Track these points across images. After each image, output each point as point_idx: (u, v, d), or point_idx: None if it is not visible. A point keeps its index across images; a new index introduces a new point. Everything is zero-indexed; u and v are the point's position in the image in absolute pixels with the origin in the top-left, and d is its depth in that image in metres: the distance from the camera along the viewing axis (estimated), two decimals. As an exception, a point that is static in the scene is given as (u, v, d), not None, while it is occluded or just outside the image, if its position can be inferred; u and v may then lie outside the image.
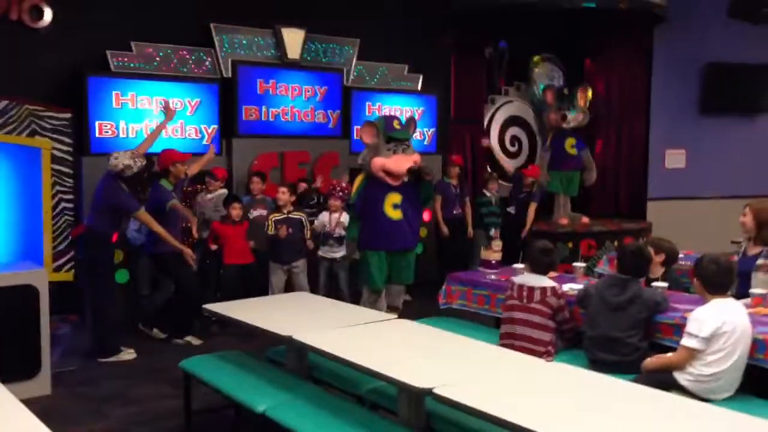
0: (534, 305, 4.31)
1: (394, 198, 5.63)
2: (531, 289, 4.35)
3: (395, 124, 5.68)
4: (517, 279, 4.49)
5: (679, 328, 3.81)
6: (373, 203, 5.63)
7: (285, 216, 6.82)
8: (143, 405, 4.90)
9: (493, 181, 9.05)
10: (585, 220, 9.20)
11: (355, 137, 8.55)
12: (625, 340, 3.95)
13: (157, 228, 5.95)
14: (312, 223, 7.08)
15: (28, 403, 2.85)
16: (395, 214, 5.64)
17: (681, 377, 3.57)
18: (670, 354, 3.72)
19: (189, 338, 6.33)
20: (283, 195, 6.85)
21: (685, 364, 3.58)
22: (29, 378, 4.92)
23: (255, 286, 6.74)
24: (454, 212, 8.40)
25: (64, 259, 6.75)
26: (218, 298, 6.69)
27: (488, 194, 8.78)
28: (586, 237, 8.58)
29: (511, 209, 8.80)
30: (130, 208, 5.91)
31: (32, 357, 4.95)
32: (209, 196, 7.08)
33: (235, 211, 6.81)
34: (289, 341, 3.77)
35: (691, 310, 3.71)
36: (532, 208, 8.38)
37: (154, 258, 6.43)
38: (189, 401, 4.36)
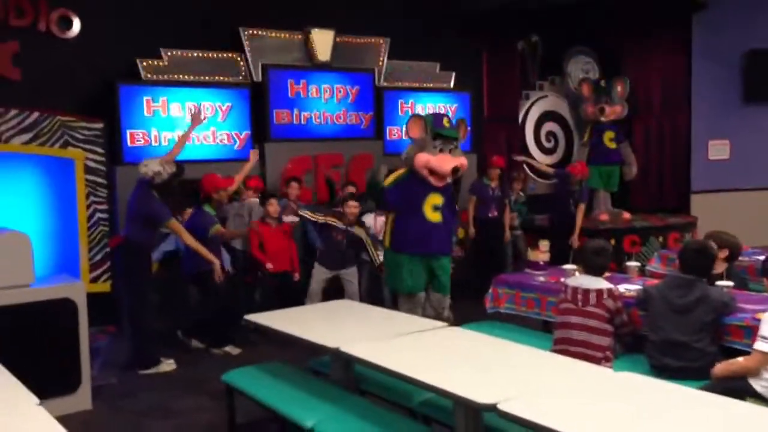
0: (590, 309, 4.09)
1: (436, 199, 5.40)
2: (586, 291, 4.13)
3: (445, 122, 5.47)
4: (571, 281, 4.28)
5: (749, 330, 3.60)
6: (412, 201, 5.37)
7: (344, 229, 6.64)
8: (184, 418, 4.79)
9: (518, 181, 8.80)
10: (626, 215, 8.97)
11: (388, 138, 8.41)
12: (691, 345, 3.73)
13: (189, 239, 5.84)
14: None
15: (69, 418, 2.76)
16: (435, 217, 5.40)
17: (757, 384, 3.35)
18: (741, 358, 3.50)
19: (228, 348, 6.22)
20: (354, 209, 6.63)
21: (759, 369, 3.36)
22: (70, 393, 4.83)
23: (292, 294, 6.60)
24: (489, 215, 8.06)
25: (100, 270, 6.70)
26: (255, 306, 6.62)
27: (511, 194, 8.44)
28: (628, 233, 8.34)
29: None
30: (162, 217, 5.78)
31: (72, 371, 4.87)
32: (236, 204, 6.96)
33: (272, 207, 6.61)
34: (335, 353, 3.62)
35: (762, 311, 3.50)
36: (581, 209, 7.84)
37: (191, 277, 6.35)
38: (233, 415, 4.24)
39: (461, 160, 5.42)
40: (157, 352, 5.88)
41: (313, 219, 6.72)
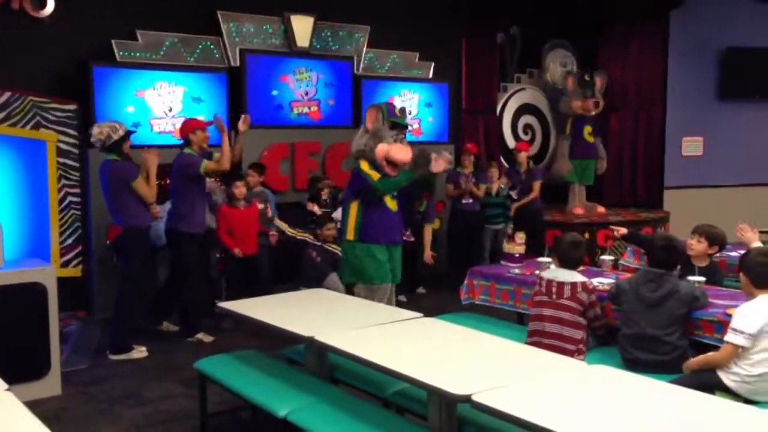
0: (564, 301, 4.11)
1: None
2: (560, 284, 4.15)
3: (397, 111, 5.40)
4: (546, 274, 4.30)
5: (720, 326, 3.64)
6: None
7: (320, 245, 6.56)
8: (156, 405, 4.74)
9: (493, 168, 8.28)
10: (601, 209, 9.05)
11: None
12: (663, 338, 3.76)
13: (150, 191, 5.68)
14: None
15: (38, 404, 2.71)
16: (393, 206, 5.35)
17: (726, 378, 3.40)
18: (712, 353, 3.54)
19: (200, 335, 6.16)
20: (332, 231, 6.52)
21: (728, 361, 3.40)
22: (39, 378, 4.75)
23: (258, 279, 6.55)
24: (464, 202, 7.95)
25: (71, 254, 6.62)
26: (220, 292, 6.57)
27: (487, 184, 8.01)
28: (603, 227, 8.40)
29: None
30: (131, 173, 5.58)
31: (41, 356, 4.79)
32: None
33: (238, 189, 6.45)
34: (310, 341, 3.60)
35: (733, 306, 3.54)
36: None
37: (166, 232, 6.11)
38: (205, 403, 4.20)
39: (446, 158, 5.40)
40: (131, 339, 5.80)
41: (290, 233, 6.67)
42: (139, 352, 5.76)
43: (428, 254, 6.70)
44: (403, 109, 5.57)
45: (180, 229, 5.95)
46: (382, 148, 5.15)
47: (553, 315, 4.13)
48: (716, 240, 4.47)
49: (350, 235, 5.28)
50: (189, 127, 6.11)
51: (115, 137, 5.55)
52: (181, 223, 5.94)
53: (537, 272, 4.82)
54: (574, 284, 4.13)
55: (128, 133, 5.69)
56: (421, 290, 7.85)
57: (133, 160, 5.77)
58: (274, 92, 7.69)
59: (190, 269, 6.07)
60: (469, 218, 7.98)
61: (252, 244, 6.57)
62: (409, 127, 5.58)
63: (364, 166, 5.19)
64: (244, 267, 6.54)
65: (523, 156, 8.37)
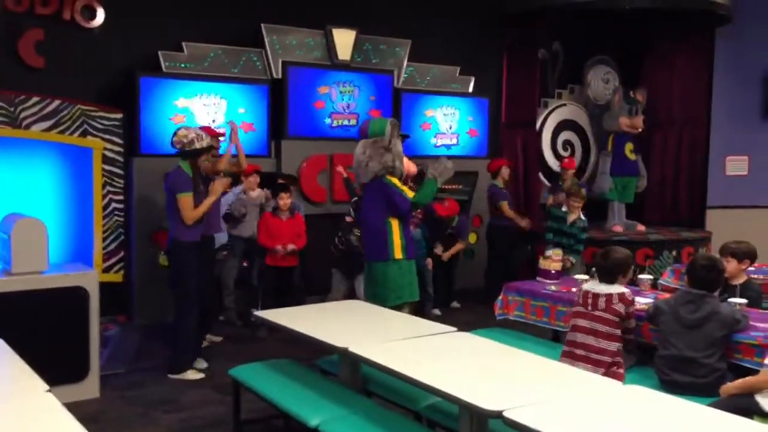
0: (599, 313, 4.07)
1: None
2: (596, 295, 4.11)
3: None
4: (585, 285, 4.27)
5: (761, 349, 3.57)
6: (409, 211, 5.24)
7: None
8: (190, 411, 4.81)
9: (577, 198, 6.79)
10: (641, 228, 8.91)
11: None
12: (701, 361, 3.70)
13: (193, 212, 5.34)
14: None
15: (77, 406, 2.76)
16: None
17: (765, 403, 3.33)
18: (751, 377, 3.47)
19: (209, 336, 6.21)
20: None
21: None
22: (78, 381, 4.86)
23: (293, 292, 6.56)
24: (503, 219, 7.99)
25: (113, 260, 6.74)
26: (257, 300, 6.63)
27: (563, 210, 6.86)
28: (642, 246, 8.28)
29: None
30: (180, 187, 5.29)
31: (81, 360, 4.90)
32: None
33: (283, 200, 6.50)
34: (344, 353, 3.62)
35: (775, 330, 3.47)
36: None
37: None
38: (238, 410, 4.25)
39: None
40: (189, 358, 5.53)
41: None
42: (195, 373, 5.48)
43: (446, 255, 7.37)
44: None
45: (180, 239, 5.47)
46: (411, 165, 5.23)
47: (587, 326, 4.09)
48: (743, 255, 4.41)
49: (398, 254, 5.07)
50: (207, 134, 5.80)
51: (197, 145, 5.29)
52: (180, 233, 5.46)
53: (573, 289, 4.81)
54: (609, 295, 4.07)
55: (210, 148, 5.49)
56: (455, 305, 7.83)
57: (203, 174, 5.55)
58: (315, 103, 7.76)
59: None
60: (508, 234, 7.96)
61: (292, 256, 6.58)
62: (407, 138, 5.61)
63: (397, 182, 5.11)
64: (280, 278, 6.57)
65: (570, 174, 8.29)
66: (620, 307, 4.06)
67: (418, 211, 6.64)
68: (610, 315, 4.06)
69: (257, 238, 6.60)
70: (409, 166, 5.26)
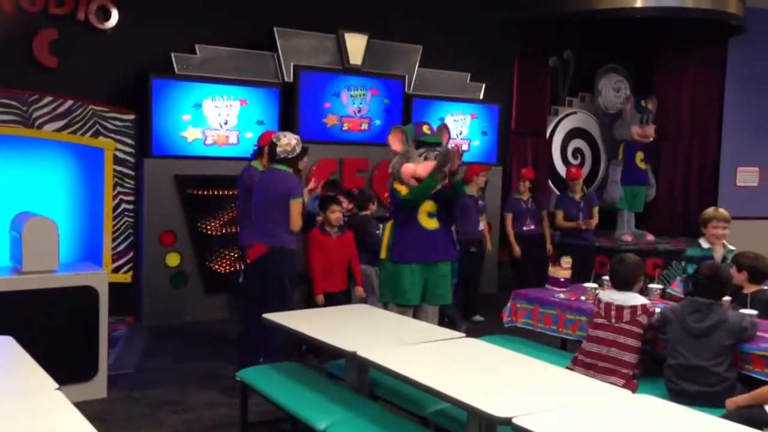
0: (624, 325, 4.06)
1: (428, 206, 5.21)
2: (620, 307, 4.10)
3: (425, 129, 5.35)
4: (604, 296, 4.26)
5: (773, 361, 3.54)
6: (407, 212, 5.22)
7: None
8: (198, 412, 4.82)
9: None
10: (650, 237, 8.89)
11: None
12: (710, 369, 3.68)
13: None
14: None
15: (84, 405, 2.76)
16: (431, 224, 5.23)
17: (776, 414, 3.31)
18: (761, 388, 3.45)
19: None
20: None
21: (778, 398, 3.32)
22: (86, 380, 4.87)
23: None
24: (525, 228, 7.79)
25: (123, 260, 6.77)
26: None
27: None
28: (651, 255, 8.26)
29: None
30: (298, 193, 5.13)
31: (90, 359, 4.91)
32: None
33: (335, 214, 5.63)
34: (352, 357, 3.62)
35: (787, 341, 3.45)
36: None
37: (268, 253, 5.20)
38: (245, 413, 4.25)
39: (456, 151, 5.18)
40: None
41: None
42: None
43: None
44: (439, 126, 5.52)
45: (288, 247, 5.21)
46: (407, 168, 5.15)
47: (611, 338, 4.08)
48: (755, 272, 4.39)
49: (383, 254, 5.28)
50: (268, 138, 5.52)
51: (299, 150, 5.19)
52: (287, 239, 5.21)
53: (582, 298, 4.80)
54: (634, 307, 4.07)
55: (306, 151, 5.40)
56: (478, 318, 7.42)
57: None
58: (325, 109, 7.78)
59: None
60: (529, 242, 7.77)
61: (340, 278, 5.75)
62: (443, 143, 5.43)
63: (396, 184, 5.23)
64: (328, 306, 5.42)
65: (525, 185, 7.88)
66: (644, 319, 4.07)
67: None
68: (635, 327, 4.05)
69: (305, 260, 5.73)
70: (423, 171, 5.11)
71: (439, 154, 5.09)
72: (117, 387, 5.15)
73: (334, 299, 5.55)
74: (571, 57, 9.86)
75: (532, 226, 7.86)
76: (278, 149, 5.13)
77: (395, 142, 5.25)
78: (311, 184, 5.82)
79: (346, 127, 7.94)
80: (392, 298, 5.23)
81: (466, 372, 3.32)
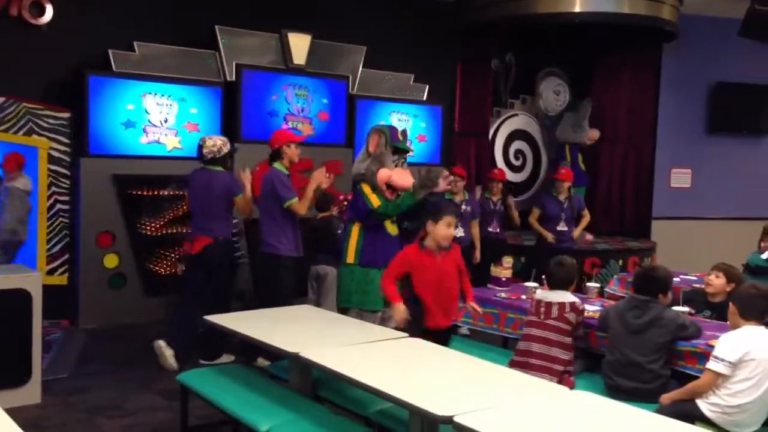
0: (551, 321, 4.15)
1: None
2: (549, 304, 4.19)
3: (399, 135, 5.40)
4: (537, 294, 4.34)
5: (703, 357, 3.66)
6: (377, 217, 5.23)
7: None
8: (135, 417, 4.71)
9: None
10: (588, 237, 9.07)
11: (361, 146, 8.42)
12: (645, 366, 3.79)
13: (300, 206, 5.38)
14: None
15: (17, 412, 2.69)
16: (394, 230, 5.30)
17: (706, 408, 3.42)
18: (692, 382, 3.57)
19: (223, 358, 5.72)
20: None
21: (709, 389, 3.43)
22: (19, 386, 4.72)
23: None
24: (489, 229, 7.41)
25: (58, 262, 6.58)
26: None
27: (763, 257, 5.79)
28: (589, 255, 8.44)
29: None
30: (237, 190, 5.59)
31: (23, 364, 4.75)
32: None
33: (450, 230, 4.25)
34: (294, 357, 3.60)
35: (716, 338, 3.56)
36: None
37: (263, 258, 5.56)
38: (186, 416, 4.18)
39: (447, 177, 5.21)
40: (222, 345, 5.65)
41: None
42: (227, 357, 5.66)
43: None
44: (404, 132, 5.55)
45: (277, 253, 5.41)
46: (383, 173, 5.13)
47: (540, 335, 4.16)
48: (734, 278, 4.53)
49: (350, 258, 5.21)
50: (283, 138, 5.58)
51: (225, 151, 5.59)
52: (278, 246, 5.41)
53: (523, 297, 4.88)
54: (562, 304, 4.16)
55: (234, 150, 5.82)
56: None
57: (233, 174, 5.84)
58: (268, 109, 7.72)
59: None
60: (491, 244, 7.35)
61: (454, 308, 4.45)
62: (410, 152, 5.50)
63: (366, 189, 5.17)
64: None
65: (498, 186, 7.56)
66: (572, 316, 4.15)
67: None
68: (562, 324, 4.13)
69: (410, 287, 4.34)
70: (398, 179, 5.16)
71: (427, 175, 5.05)
72: (52, 392, 5.00)
73: (441, 338, 4.16)
74: (513, 60, 10.02)
75: (498, 229, 7.53)
76: (204, 150, 5.52)
77: (374, 144, 5.21)
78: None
79: (290, 124, 7.87)
80: (360, 304, 5.15)
81: (408, 371, 3.33)
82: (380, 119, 8.42)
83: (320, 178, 5.51)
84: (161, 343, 5.66)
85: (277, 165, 5.51)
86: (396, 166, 5.24)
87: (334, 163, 7.74)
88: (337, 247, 5.61)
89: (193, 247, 5.61)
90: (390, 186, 5.19)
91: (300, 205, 5.37)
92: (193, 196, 5.65)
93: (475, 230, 7.22)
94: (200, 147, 5.56)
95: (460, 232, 6.93)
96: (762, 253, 5.56)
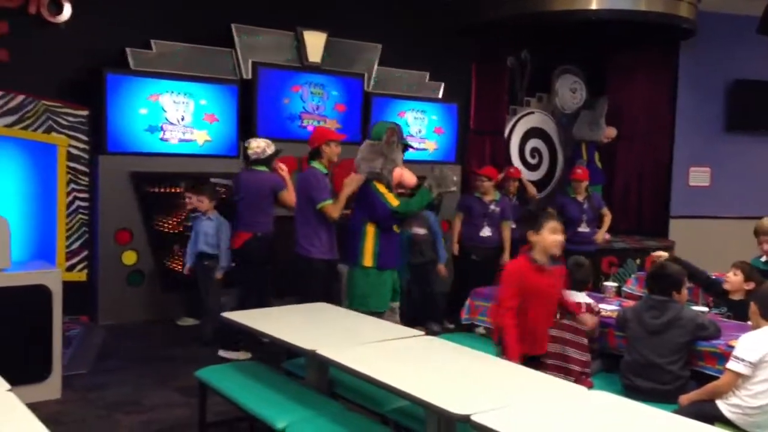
0: (567, 322, 4.13)
1: None
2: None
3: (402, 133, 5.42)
4: None
5: (723, 357, 3.64)
6: (394, 219, 5.13)
7: None
8: (154, 413, 4.75)
9: None
10: (606, 236, 9.03)
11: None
12: (665, 367, 3.77)
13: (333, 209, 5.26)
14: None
15: (38, 407, 2.72)
16: (397, 228, 5.27)
17: (726, 409, 3.40)
18: (711, 383, 3.54)
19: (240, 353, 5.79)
20: None
21: (729, 389, 3.41)
22: (40, 381, 4.77)
23: None
24: (480, 234, 7.03)
25: (77, 259, 6.64)
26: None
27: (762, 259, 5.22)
28: (607, 254, 8.39)
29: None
30: (281, 186, 5.93)
31: (43, 360, 4.81)
32: None
33: (556, 235, 3.87)
34: (312, 355, 3.61)
35: (736, 338, 3.54)
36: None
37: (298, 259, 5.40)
38: (204, 413, 4.21)
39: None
40: (241, 339, 5.74)
41: None
42: (244, 354, 5.71)
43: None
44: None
45: (308, 255, 5.29)
46: (398, 173, 5.12)
47: (557, 335, 4.14)
48: (752, 275, 4.50)
49: (368, 262, 5.05)
50: (323, 136, 5.47)
51: (270, 152, 5.92)
52: (310, 249, 5.31)
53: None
54: (578, 305, 4.15)
55: (278, 151, 6.04)
56: (450, 325, 6.85)
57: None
58: (284, 106, 7.73)
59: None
60: (480, 249, 7.08)
61: (546, 335, 4.01)
62: (411, 148, 5.49)
63: (382, 188, 5.06)
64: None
65: (585, 185, 7.45)
66: (587, 317, 4.14)
67: None
68: (578, 325, 4.12)
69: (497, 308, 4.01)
70: (408, 178, 5.18)
71: (441, 174, 4.97)
72: (72, 388, 5.05)
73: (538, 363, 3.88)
74: (528, 57, 9.97)
75: (489, 233, 7.06)
76: (249, 152, 5.88)
77: (388, 140, 5.09)
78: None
79: (305, 122, 7.89)
80: (377, 306, 5.04)
81: (424, 369, 3.33)
82: (396, 117, 8.41)
83: (356, 182, 5.20)
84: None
85: (315, 164, 5.38)
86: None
87: (350, 162, 7.72)
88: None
89: (235, 242, 5.94)
90: (400, 185, 5.19)
91: (333, 208, 5.20)
92: (239, 195, 5.92)
93: (506, 233, 7.03)
94: (245, 149, 5.95)
95: (487, 232, 6.99)
96: (761, 256, 5.45)
